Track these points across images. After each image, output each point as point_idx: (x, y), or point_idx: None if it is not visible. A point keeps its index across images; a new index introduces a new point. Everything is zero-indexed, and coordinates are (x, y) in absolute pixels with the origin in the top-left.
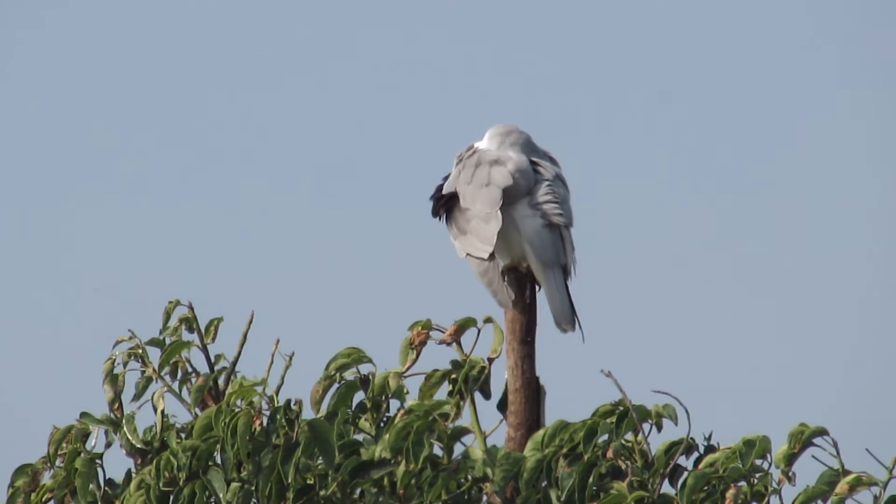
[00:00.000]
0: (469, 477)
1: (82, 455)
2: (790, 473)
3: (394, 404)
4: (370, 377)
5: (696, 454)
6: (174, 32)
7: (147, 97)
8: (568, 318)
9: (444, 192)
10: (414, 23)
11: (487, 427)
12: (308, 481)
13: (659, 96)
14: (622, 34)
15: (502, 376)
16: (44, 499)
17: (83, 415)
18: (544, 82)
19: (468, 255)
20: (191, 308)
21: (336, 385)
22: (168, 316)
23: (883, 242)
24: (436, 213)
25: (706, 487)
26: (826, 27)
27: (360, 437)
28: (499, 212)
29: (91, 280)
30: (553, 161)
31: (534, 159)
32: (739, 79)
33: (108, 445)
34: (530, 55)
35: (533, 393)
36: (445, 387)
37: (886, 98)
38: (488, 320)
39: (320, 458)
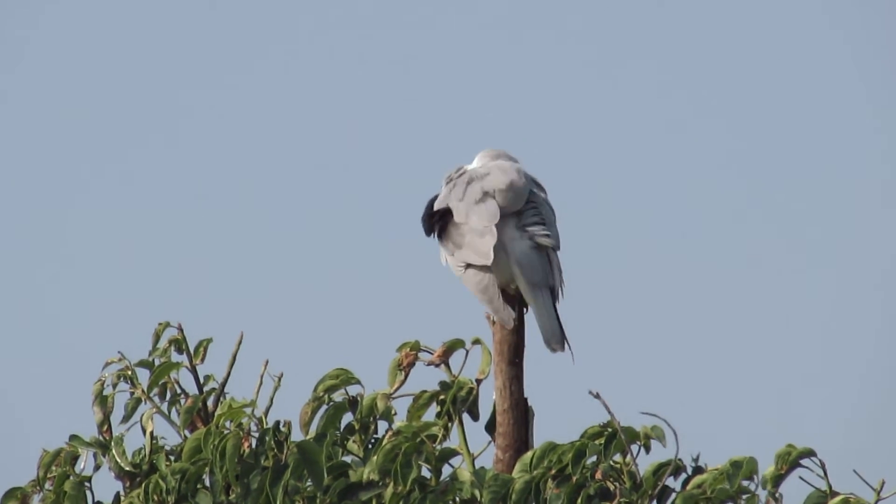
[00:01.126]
0: (457, 499)
1: (71, 478)
2: (777, 495)
3: (382, 426)
4: (358, 398)
5: (684, 475)
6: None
7: (134, 114)
8: (558, 337)
9: (437, 208)
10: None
11: (476, 448)
12: None
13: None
14: (618, 37)
15: (490, 398)
16: None
17: (72, 437)
18: (533, 93)
19: (468, 266)
20: (180, 329)
21: (325, 407)
22: (157, 337)
23: (878, 264)
24: (429, 230)
25: None
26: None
27: (348, 458)
28: (494, 227)
29: (79, 301)
30: (540, 186)
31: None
32: (733, 92)
33: (98, 468)
34: (519, 67)
35: (521, 414)
36: (434, 408)
37: None
38: (476, 342)
39: (309, 480)
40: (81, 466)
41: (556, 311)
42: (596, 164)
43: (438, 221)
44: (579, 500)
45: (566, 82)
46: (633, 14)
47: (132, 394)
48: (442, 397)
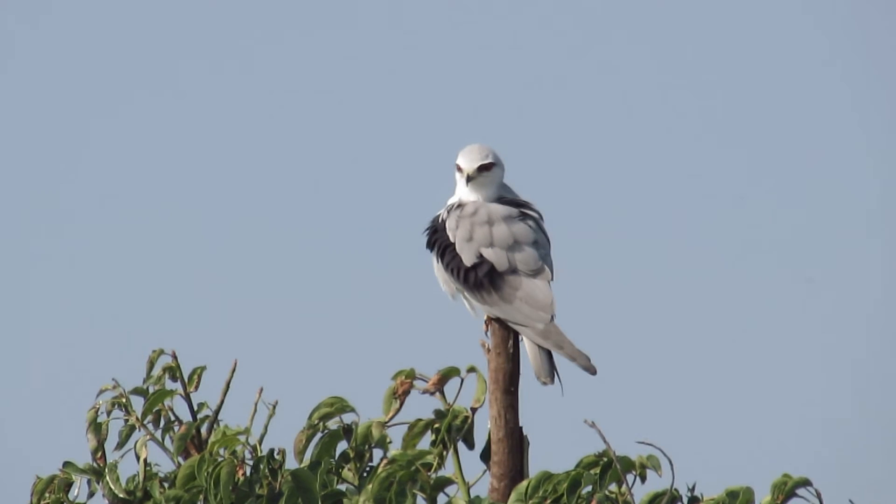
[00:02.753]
0: None
1: None
2: None
3: (377, 454)
4: (353, 426)
5: None
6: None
7: (126, 135)
8: (547, 371)
9: (468, 255)
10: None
11: (471, 477)
12: None
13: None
14: (609, 46)
15: (486, 426)
16: None
17: (66, 464)
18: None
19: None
20: (174, 357)
21: (319, 434)
22: (152, 364)
23: (870, 293)
24: (477, 286)
25: None
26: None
27: (343, 486)
28: (547, 269)
29: (73, 328)
30: (538, 213)
31: (522, 210)
32: (727, 106)
33: (91, 495)
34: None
35: (516, 443)
36: (428, 436)
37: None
38: (471, 370)
39: None
40: (75, 493)
41: None
42: (590, 188)
43: (486, 276)
44: None
45: (550, 85)
46: (625, 15)
47: (126, 421)
48: (437, 426)
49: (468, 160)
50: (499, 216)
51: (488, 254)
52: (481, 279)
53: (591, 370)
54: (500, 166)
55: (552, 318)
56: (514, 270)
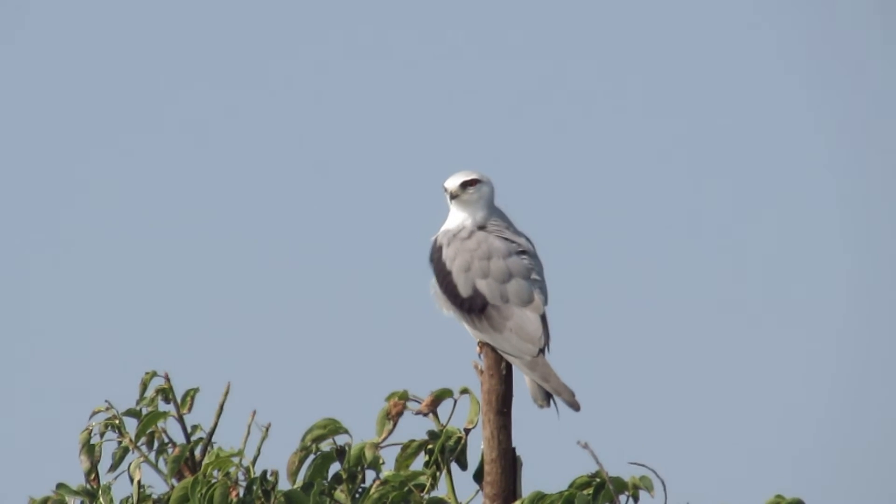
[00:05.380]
0: None
1: None
2: None
3: (370, 475)
4: (346, 448)
5: None
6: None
7: (119, 157)
8: (543, 395)
9: (464, 286)
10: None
11: (464, 498)
12: None
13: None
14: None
15: (478, 447)
16: None
17: (59, 486)
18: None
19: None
20: (167, 379)
21: (312, 456)
22: (145, 386)
23: (857, 309)
24: (469, 313)
25: None
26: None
27: None
28: (538, 301)
29: (66, 350)
30: (527, 238)
31: (513, 239)
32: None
33: None
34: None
35: (509, 464)
36: (422, 457)
37: None
38: (464, 391)
39: None
40: None
41: None
42: (581, 214)
43: (477, 307)
44: None
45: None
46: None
47: (120, 443)
48: (430, 446)
49: (452, 179)
50: (498, 252)
51: (482, 285)
52: (474, 309)
53: (575, 406)
54: (488, 184)
55: (540, 351)
56: (506, 301)
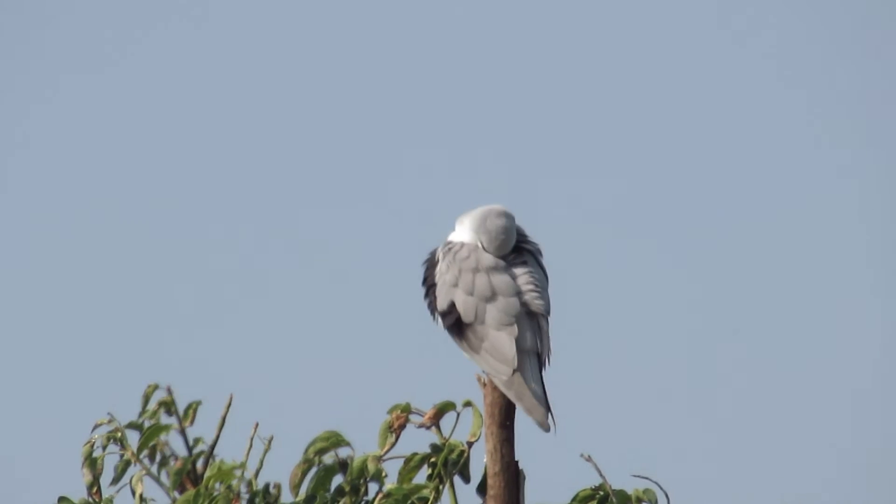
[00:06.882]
0: None
1: None
2: None
3: (372, 488)
4: (349, 461)
5: None
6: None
7: (112, 173)
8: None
9: (442, 301)
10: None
11: None
12: None
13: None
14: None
15: (482, 460)
16: None
17: (61, 499)
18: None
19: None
20: (169, 391)
21: (315, 469)
22: (147, 399)
23: (863, 329)
24: (449, 329)
25: None
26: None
27: None
28: (515, 325)
29: (68, 362)
30: (534, 244)
31: (521, 245)
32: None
33: None
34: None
35: (512, 477)
36: (424, 470)
37: None
38: (467, 404)
39: None
40: None
41: (541, 378)
42: (589, 228)
43: (455, 323)
44: None
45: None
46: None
47: (122, 456)
48: (433, 459)
49: (499, 249)
50: (485, 266)
51: (460, 301)
52: (452, 326)
53: (545, 427)
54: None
55: (514, 371)
56: (482, 322)
